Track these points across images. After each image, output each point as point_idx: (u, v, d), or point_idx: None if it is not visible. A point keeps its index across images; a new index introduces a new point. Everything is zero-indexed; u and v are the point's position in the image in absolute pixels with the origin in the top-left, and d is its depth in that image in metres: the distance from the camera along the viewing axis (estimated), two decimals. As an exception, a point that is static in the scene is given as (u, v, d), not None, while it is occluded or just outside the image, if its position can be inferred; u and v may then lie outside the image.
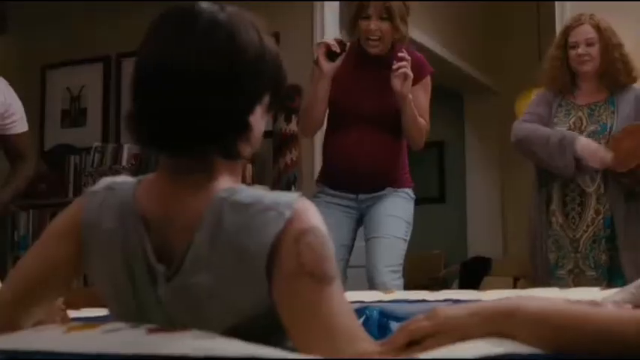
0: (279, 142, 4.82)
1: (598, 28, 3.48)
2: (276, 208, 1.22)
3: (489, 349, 1.00)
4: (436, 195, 8.44)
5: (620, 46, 3.48)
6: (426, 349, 1.08)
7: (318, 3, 4.94)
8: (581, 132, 3.45)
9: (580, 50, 3.48)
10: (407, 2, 3.33)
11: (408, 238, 3.38)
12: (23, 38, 5.55)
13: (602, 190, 3.43)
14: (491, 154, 7.71)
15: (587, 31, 3.49)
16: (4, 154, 3.45)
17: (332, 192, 3.36)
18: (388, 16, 3.26)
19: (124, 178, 1.39)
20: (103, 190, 1.36)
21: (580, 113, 3.50)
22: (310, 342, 1.17)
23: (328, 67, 3.21)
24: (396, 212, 3.34)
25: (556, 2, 4.58)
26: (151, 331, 1.14)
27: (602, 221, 3.42)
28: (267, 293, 1.21)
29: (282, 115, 4.83)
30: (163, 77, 1.26)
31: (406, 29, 3.32)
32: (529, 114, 3.62)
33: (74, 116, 5.56)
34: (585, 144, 3.39)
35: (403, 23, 3.29)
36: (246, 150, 1.32)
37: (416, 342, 1.11)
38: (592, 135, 3.44)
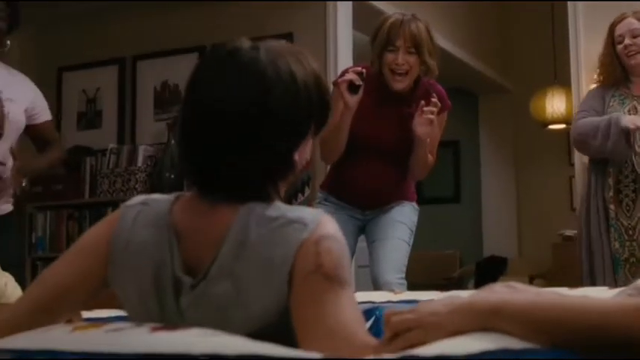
0: (293, 142, 4.82)
1: None
2: (300, 221, 1.28)
3: (485, 345, 1.00)
4: (451, 195, 8.43)
5: None
6: (408, 341, 1.10)
7: (331, 3, 4.95)
8: None
9: (626, 41, 3.50)
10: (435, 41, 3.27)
11: (411, 244, 3.39)
12: (40, 40, 5.60)
13: None
14: (506, 153, 7.70)
15: (631, 23, 3.52)
16: (32, 144, 3.57)
17: (337, 202, 3.38)
18: (416, 50, 3.18)
19: (159, 195, 1.43)
20: (138, 205, 1.40)
21: (635, 102, 3.52)
22: (313, 340, 1.19)
23: (352, 100, 3.11)
24: (401, 218, 3.36)
25: (568, 2, 4.58)
26: (154, 329, 1.15)
27: None
28: (287, 299, 1.25)
29: (295, 116, 4.84)
30: (202, 128, 1.32)
31: (434, 64, 3.23)
32: (584, 111, 3.62)
33: (90, 118, 5.60)
34: (630, 118, 3.42)
35: (431, 57, 3.21)
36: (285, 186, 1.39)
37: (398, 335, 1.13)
38: None
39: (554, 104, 6.42)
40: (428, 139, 3.20)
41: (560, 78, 6.27)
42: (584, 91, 4.55)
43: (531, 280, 6.59)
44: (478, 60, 6.97)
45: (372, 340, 1.21)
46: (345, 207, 3.37)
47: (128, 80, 5.53)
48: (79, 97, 5.62)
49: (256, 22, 5.13)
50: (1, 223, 3.33)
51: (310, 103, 1.36)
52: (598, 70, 3.68)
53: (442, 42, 6.06)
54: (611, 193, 3.48)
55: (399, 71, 3.20)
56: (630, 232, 3.44)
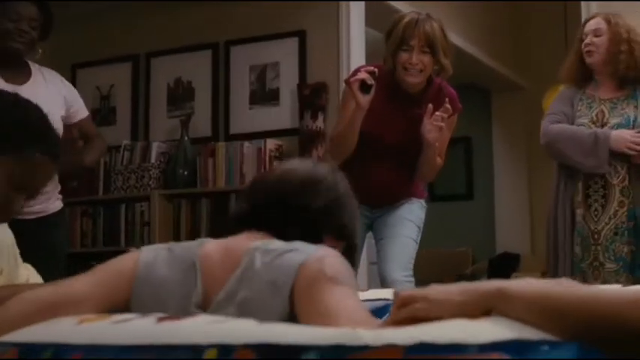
0: (306, 139, 4.83)
1: (608, 21, 3.56)
2: (301, 249, 1.38)
3: (499, 334, 1.00)
4: (463, 191, 8.42)
5: (631, 41, 3.52)
6: (413, 311, 1.14)
7: (344, 1, 4.96)
8: (603, 125, 3.50)
9: (587, 40, 3.56)
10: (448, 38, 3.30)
11: (418, 241, 3.41)
12: (54, 37, 5.60)
13: (626, 182, 3.46)
14: (519, 150, 7.69)
15: (596, 23, 3.60)
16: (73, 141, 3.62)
17: None
18: (430, 49, 3.21)
19: (181, 243, 1.53)
20: (162, 250, 1.49)
21: (602, 107, 3.55)
22: (310, 323, 1.23)
23: (364, 100, 3.14)
24: (409, 216, 3.39)
25: (582, 3, 4.57)
26: (160, 319, 1.15)
27: (625, 213, 3.44)
28: (291, 316, 1.31)
29: (308, 112, 4.86)
30: (270, 200, 1.60)
31: (448, 63, 3.26)
32: (553, 114, 3.66)
33: (104, 115, 5.61)
34: (617, 135, 3.44)
35: (445, 57, 3.24)
36: None
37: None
38: (616, 128, 3.47)
39: (567, 101, 6.40)
40: (437, 144, 3.22)
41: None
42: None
43: (544, 277, 6.58)
44: (491, 57, 6.97)
45: (373, 321, 1.24)
46: None
47: (142, 77, 5.55)
48: (92, 94, 5.63)
49: (269, 20, 5.15)
50: (51, 220, 3.37)
51: (350, 220, 1.64)
52: (564, 64, 3.75)
53: (455, 38, 6.06)
54: (579, 198, 3.51)
55: (413, 70, 3.23)
56: (596, 237, 3.47)
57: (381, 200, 3.39)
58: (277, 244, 1.41)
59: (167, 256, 1.46)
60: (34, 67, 3.40)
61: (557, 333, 1.02)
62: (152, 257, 1.46)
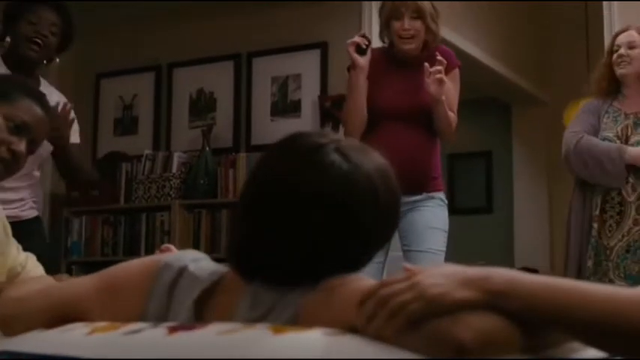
0: (327, 151, 4.84)
1: None
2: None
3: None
4: (483, 205, 8.39)
5: None
6: (400, 307, 1.03)
7: (366, 11, 4.97)
8: (626, 140, 3.49)
9: (621, 51, 3.57)
10: (435, 4, 3.49)
11: (445, 247, 3.46)
12: (78, 47, 5.65)
13: None
14: (539, 164, 7.66)
15: (630, 35, 3.62)
16: (56, 167, 3.48)
17: None
18: (419, 15, 3.41)
19: (199, 269, 1.37)
20: (179, 274, 1.36)
21: (627, 122, 3.54)
22: None
23: (362, 60, 3.37)
24: (436, 224, 3.43)
25: (604, 13, 4.57)
26: (171, 330, 1.13)
27: (638, 231, 3.42)
28: None
29: (329, 124, 4.87)
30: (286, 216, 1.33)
31: (437, 29, 3.47)
32: (578, 124, 3.65)
33: (126, 124, 5.65)
34: (634, 151, 3.43)
35: (434, 23, 3.45)
36: None
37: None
38: (636, 145, 3.47)
39: (588, 115, 6.37)
40: (443, 97, 3.33)
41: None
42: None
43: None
44: (512, 70, 6.95)
45: None
46: None
47: (164, 87, 5.58)
48: (115, 104, 5.68)
49: (291, 31, 5.17)
50: (25, 227, 3.30)
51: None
52: (593, 76, 3.77)
53: (475, 51, 6.08)
54: (596, 212, 3.50)
55: (407, 36, 3.43)
56: (608, 252, 3.47)
57: (401, 175, 3.40)
58: (267, 294, 1.27)
59: (180, 286, 1.35)
60: (44, 82, 3.34)
61: (562, 330, 1.04)
62: (169, 283, 1.35)
